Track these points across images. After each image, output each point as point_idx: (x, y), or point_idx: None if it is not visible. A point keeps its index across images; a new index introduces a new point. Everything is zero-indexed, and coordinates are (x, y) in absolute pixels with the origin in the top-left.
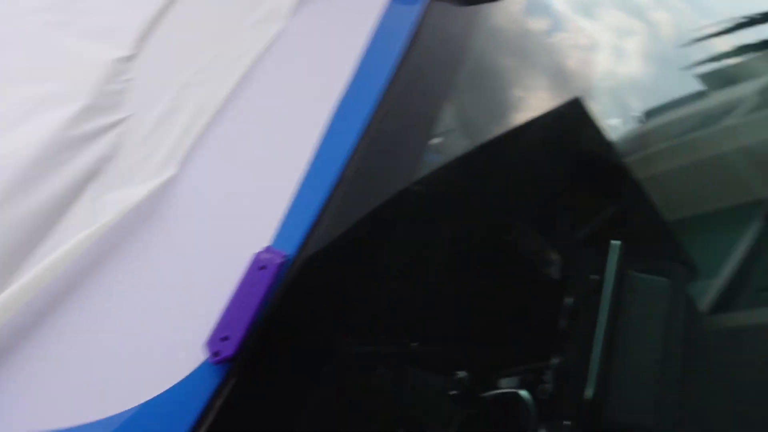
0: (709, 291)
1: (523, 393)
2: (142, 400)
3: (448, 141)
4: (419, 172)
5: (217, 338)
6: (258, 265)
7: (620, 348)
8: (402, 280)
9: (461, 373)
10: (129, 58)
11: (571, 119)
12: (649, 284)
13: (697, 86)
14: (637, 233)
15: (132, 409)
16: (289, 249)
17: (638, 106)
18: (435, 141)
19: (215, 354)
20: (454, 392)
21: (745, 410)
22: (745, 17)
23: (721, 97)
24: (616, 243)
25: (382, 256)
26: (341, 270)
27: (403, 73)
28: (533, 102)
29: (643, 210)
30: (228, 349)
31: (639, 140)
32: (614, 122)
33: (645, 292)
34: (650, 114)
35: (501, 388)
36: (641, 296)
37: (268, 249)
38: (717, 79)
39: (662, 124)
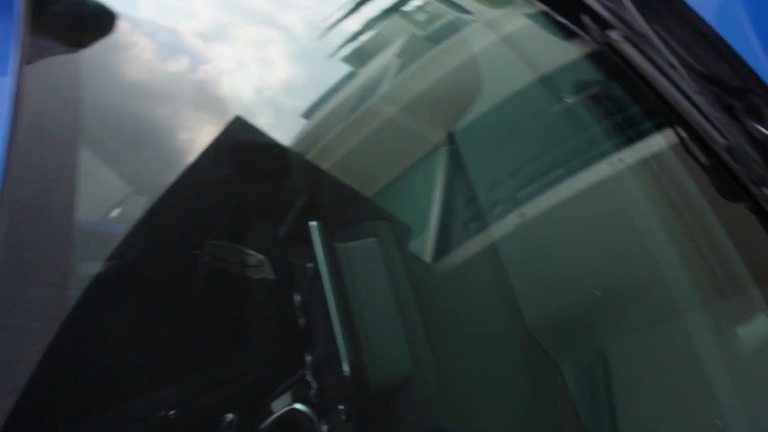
0: (428, 242)
1: (298, 406)
2: None
3: (127, 206)
4: (98, 240)
5: None
6: None
7: (359, 317)
8: (119, 357)
9: (229, 416)
10: None
11: (240, 137)
12: (358, 249)
13: (346, 69)
14: (337, 214)
15: None
16: None
17: (301, 105)
18: (114, 211)
19: None
20: None
21: (481, 334)
22: None
23: (370, 70)
24: (313, 224)
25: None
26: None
27: (20, 139)
28: (196, 135)
29: (338, 192)
30: None
31: (312, 135)
32: (283, 127)
33: (357, 257)
34: (315, 108)
35: (275, 412)
36: (356, 262)
37: None
38: (361, 56)
39: (328, 113)
